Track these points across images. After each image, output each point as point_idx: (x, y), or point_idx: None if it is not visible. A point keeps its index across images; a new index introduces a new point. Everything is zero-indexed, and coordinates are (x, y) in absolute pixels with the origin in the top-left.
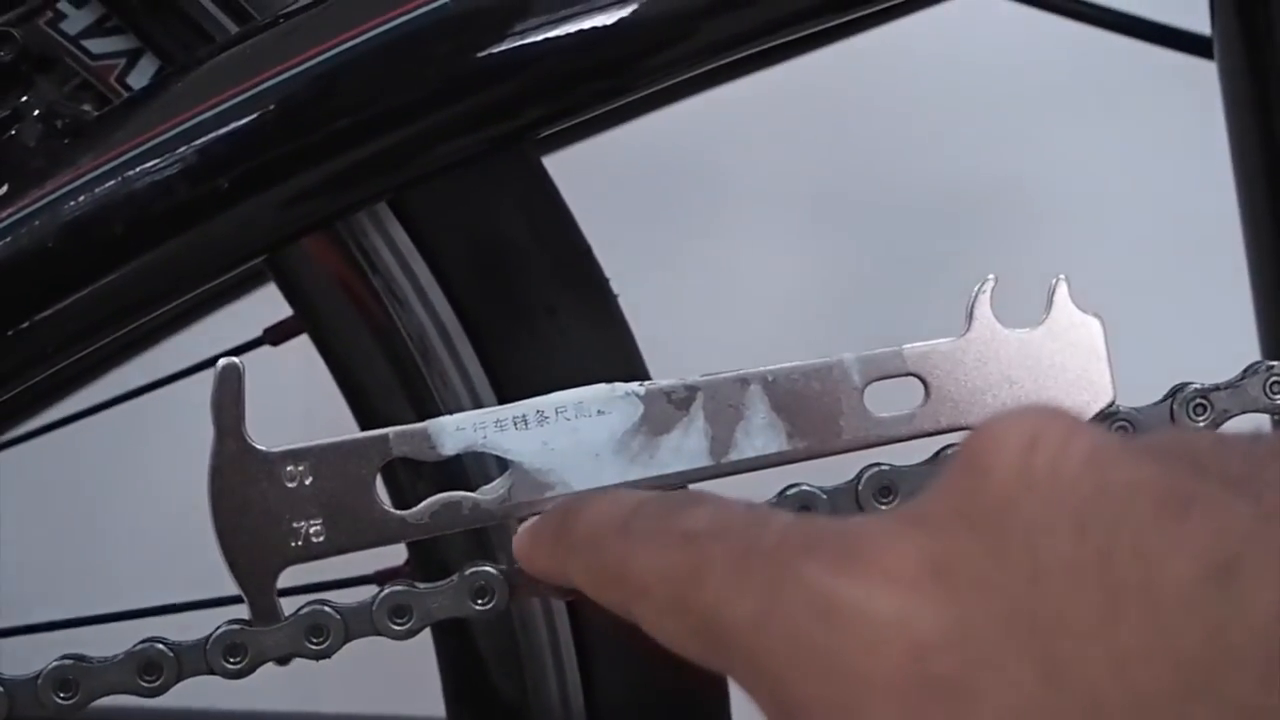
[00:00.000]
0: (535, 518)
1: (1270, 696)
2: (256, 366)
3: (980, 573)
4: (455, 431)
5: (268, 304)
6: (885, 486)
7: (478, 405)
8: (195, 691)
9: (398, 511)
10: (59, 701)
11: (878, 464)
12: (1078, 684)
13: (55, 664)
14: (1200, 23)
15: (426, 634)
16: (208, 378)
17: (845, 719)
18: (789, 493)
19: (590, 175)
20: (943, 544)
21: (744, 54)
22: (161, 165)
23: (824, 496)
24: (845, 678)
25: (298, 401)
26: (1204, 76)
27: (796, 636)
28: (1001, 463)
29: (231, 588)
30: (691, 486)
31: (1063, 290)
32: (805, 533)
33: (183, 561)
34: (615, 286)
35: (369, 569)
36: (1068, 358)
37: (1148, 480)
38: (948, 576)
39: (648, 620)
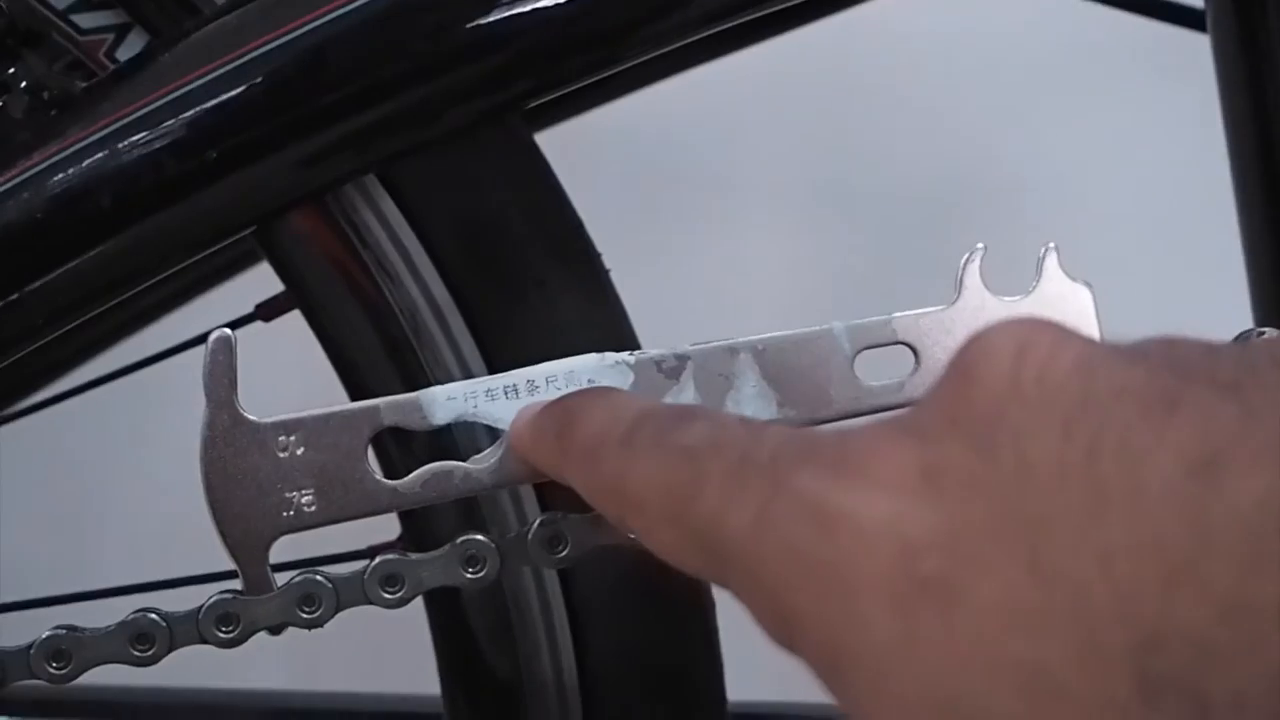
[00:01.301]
0: (535, 405)
1: (1251, 584)
2: (249, 342)
3: (969, 476)
4: (446, 401)
5: (260, 282)
6: None
7: (469, 378)
8: (195, 670)
9: (389, 481)
10: (52, 671)
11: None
12: (1064, 579)
13: (48, 634)
14: None
15: (420, 612)
16: (199, 354)
17: (838, 623)
18: None
19: (584, 164)
20: (933, 449)
21: (734, 24)
22: (149, 137)
23: None
24: (837, 583)
25: (290, 377)
26: (1197, 49)
27: (791, 545)
28: (991, 371)
29: (226, 562)
30: None
31: (1052, 258)
32: (799, 444)
33: (176, 536)
34: (607, 263)
35: (362, 544)
36: None
37: (1134, 382)
38: (937, 480)
39: (645, 533)
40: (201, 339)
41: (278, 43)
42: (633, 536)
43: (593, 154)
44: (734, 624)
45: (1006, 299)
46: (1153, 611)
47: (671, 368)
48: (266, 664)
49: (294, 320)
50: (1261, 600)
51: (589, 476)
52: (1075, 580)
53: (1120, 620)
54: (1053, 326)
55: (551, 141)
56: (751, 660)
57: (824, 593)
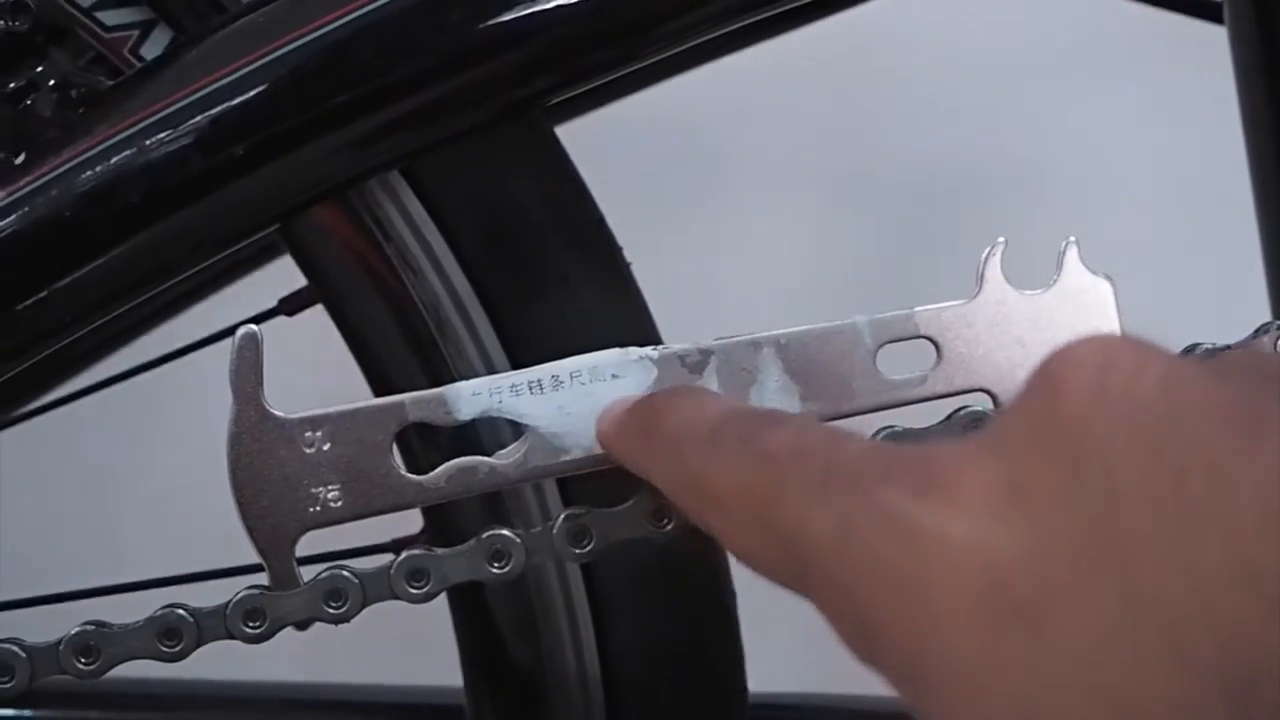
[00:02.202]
0: (620, 403)
1: None
2: (272, 337)
3: (1056, 495)
4: (471, 397)
5: (283, 275)
6: None
7: (492, 373)
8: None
9: (414, 476)
10: (80, 667)
11: (890, 426)
12: (1156, 607)
13: (77, 630)
14: None
15: (444, 606)
16: (225, 348)
17: (923, 640)
18: None
19: (602, 157)
20: (1018, 467)
21: (752, 19)
22: (176, 134)
23: None
24: (923, 600)
25: (313, 372)
26: (1214, 39)
27: (874, 558)
28: (1076, 385)
29: (251, 555)
30: None
31: (1073, 252)
32: (883, 456)
33: (202, 531)
34: (628, 257)
35: (385, 538)
36: (1078, 319)
37: (1222, 401)
38: (1023, 499)
39: (725, 534)
40: (226, 334)
41: (303, 40)
42: (714, 536)
43: (611, 147)
44: (754, 615)
45: (1028, 293)
46: (1250, 646)
47: (695, 362)
48: (288, 655)
49: (317, 314)
50: None
51: (672, 471)
52: (1169, 609)
53: (1216, 656)
54: (1136, 343)
55: (569, 135)
56: (772, 652)
57: (909, 608)
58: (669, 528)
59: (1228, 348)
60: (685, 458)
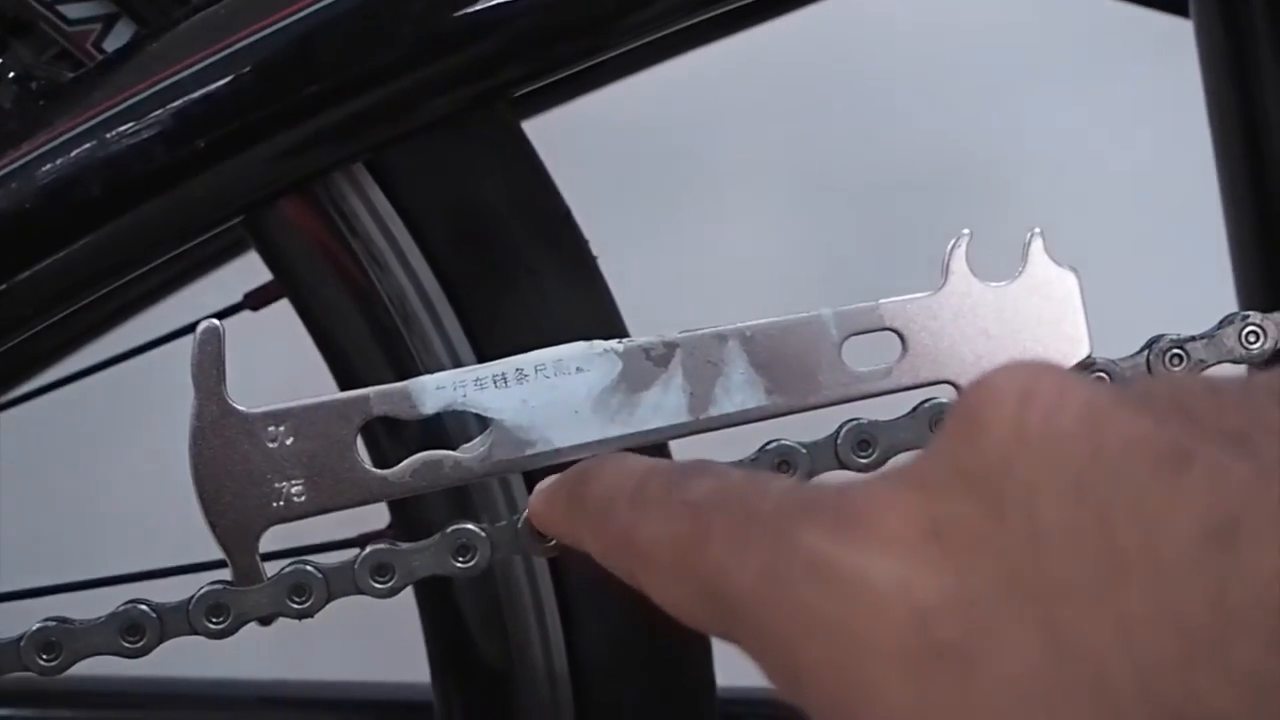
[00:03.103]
0: (551, 478)
1: (1268, 659)
2: (236, 331)
3: (979, 535)
4: (435, 390)
5: (248, 271)
6: (864, 441)
7: (458, 366)
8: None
9: (379, 471)
10: (42, 663)
11: (855, 419)
12: (1082, 651)
13: (38, 626)
14: None
15: (411, 601)
16: (188, 343)
17: (850, 684)
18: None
19: (569, 151)
20: (940, 506)
21: (722, 10)
22: (138, 126)
23: (804, 452)
24: (847, 642)
25: (279, 366)
26: (1180, 35)
27: (798, 602)
28: (996, 419)
29: (214, 551)
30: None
31: (1038, 244)
32: (804, 497)
33: (165, 527)
34: (594, 251)
35: (351, 533)
36: (1044, 310)
37: (1144, 436)
38: (947, 539)
39: (654, 588)
40: (190, 329)
41: (266, 32)
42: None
43: (577, 141)
44: None
45: (993, 284)
46: (1175, 690)
47: (660, 355)
48: (256, 653)
49: (282, 309)
50: None
51: (600, 534)
52: (1094, 653)
53: (1142, 699)
54: (1056, 371)
55: (537, 129)
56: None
57: (833, 651)
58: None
59: (1193, 339)
60: (611, 518)
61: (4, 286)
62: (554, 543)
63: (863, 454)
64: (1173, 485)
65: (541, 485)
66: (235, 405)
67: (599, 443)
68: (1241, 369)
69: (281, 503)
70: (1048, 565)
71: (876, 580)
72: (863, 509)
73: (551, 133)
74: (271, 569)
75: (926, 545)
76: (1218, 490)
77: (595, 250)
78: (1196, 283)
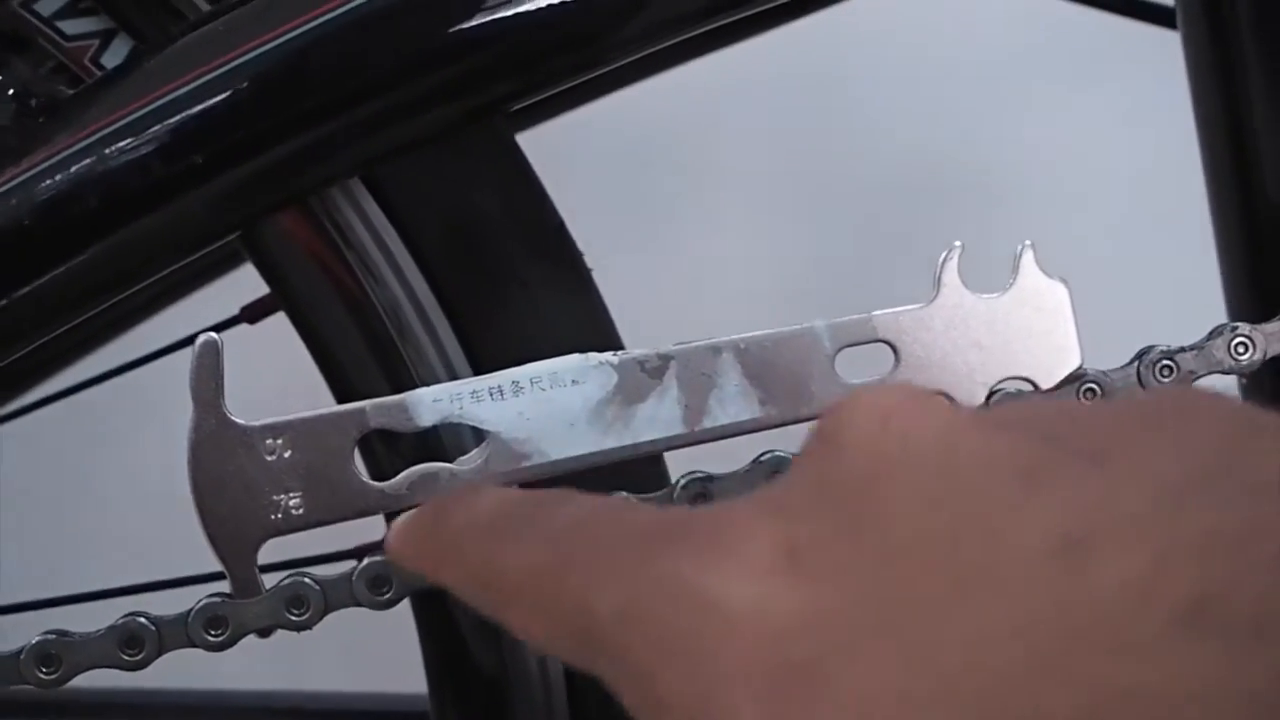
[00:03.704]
0: (408, 513)
1: (1118, 673)
2: (233, 345)
3: (835, 555)
4: (432, 403)
5: (245, 283)
6: None
7: (454, 378)
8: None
9: (376, 483)
10: (41, 676)
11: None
12: (932, 666)
13: (38, 639)
14: None
15: (407, 612)
16: (186, 356)
17: (706, 709)
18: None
19: (563, 162)
20: (798, 527)
21: (714, 26)
22: (136, 142)
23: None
24: (705, 668)
25: (275, 379)
26: (1167, 46)
27: (658, 629)
28: (855, 441)
29: (212, 563)
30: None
31: (1029, 255)
32: (664, 524)
33: (164, 539)
34: (589, 263)
35: (348, 544)
36: (1035, 322)
37: (997, 454)
38: (803, 560)
39: (517, 623)
40: (187, 342)
41: (264, 47)
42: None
43: (571, 152)
44: None
45: (984, 296)
46: (1021, 701)
47: (655, 367)
48: (252, 664)
49: (279, 322)
50: (1128, 690)
51: (459, 570)
52: (943, 668)
53: (989, 709)
54: (916, 394)
55: (530, 139)
56: None
57: (691, 678)
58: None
59: (1183, 350)
60: (469, 552)
61: (3, 302)
62: None
63: None
64: (1023, 501)
65: (398, 521)
66: (233, 418)
67: (594, 454)
68: (1231, 380)
69: (279, 515)
70: (900, 582)
71: (733, 603)
72: (721, 533)
73: (544, 143)
74: (269, 581)
75: (783, 566)
76: (1067, 505)
77: (590, 262)
78: (1187, 293)
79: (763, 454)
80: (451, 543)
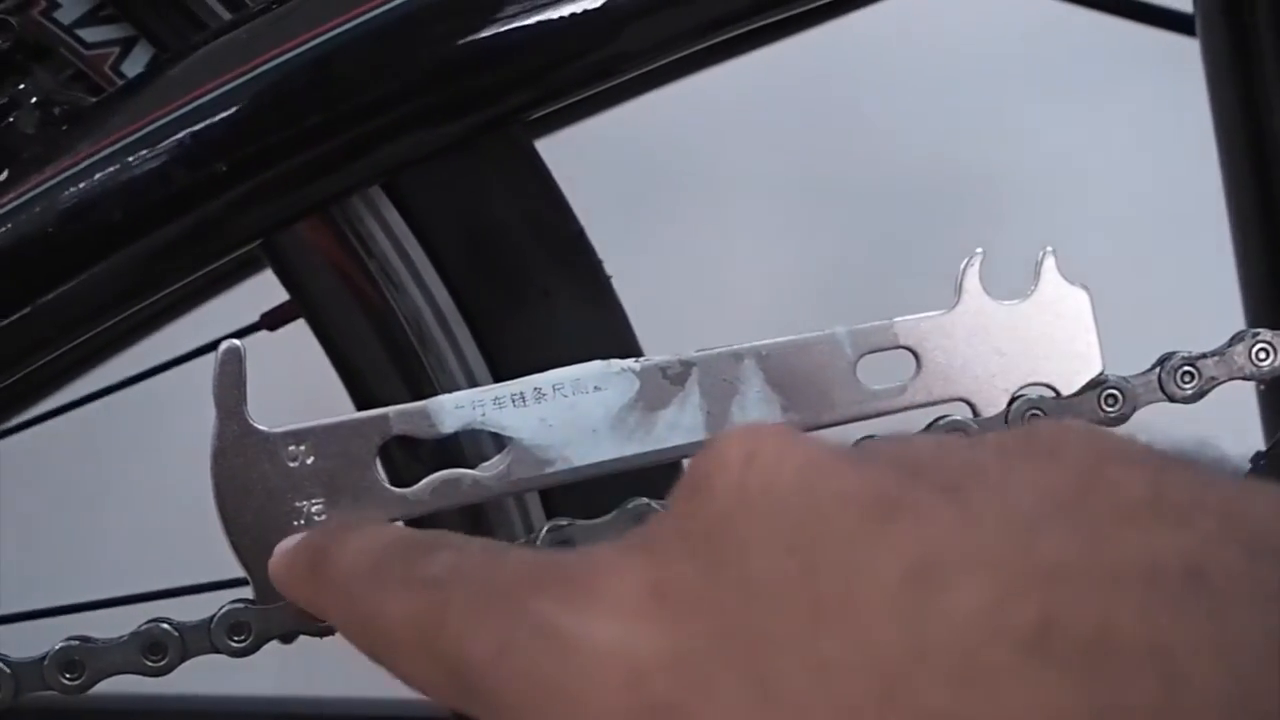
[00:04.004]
0: (292, 539)
1: (963, 699)
2: (254, 351)
3: (696, 594)
4: (454, 410)
5: (265, 290)
6: None
7: (474, 386)
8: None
9: (398, 489)
10: (65, 682)
11: (870, 437)
12: (786, 699)
13: (61, 645)
14: (1182, 0)
15: None
16: (207, 363)
17: None
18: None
19: (580, 170)
20: (662, 567)
21: (730, 35)
22: (158, 150)
23: None
24: (571, 709)
25: (296, 386)
26: (1186, 53)
27: (528, 671)
28: (719, 482)
29: (235, 569)
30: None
31: (1050, 262)
32: (537, 567)
33: (186, 546)
34: (608, 270)
35: None
36: (1056, 329)
37: (856, 489)
38: (666, 600)
39: (398, 669)
40: (208, 348)
41: (285, 57)
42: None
43: (588, 160)
44: None
45: (1006, 303)
46: None
47: (676, 374)
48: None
49: (299, 329)
50: (972, 715)
51: (342, 614)
52: (796, 700)
53: None
54: (781, 433)
55: (547, 148)
56: None
57: (558, 718)
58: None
59: (1204, 356)
60: (352, 598)
61: (28, 309)
62: None
63: None
64: (878, 533)
65: (282, 545)
66: (256, 425)
67: (616, 461)
68: (1251, 386)
69: (302, 521)
70: (757, 617)
71: (597, 643)
72: (589, 575)
73: (562, 152)
74: None
75: (646, 606)
76: (920, 536)
77: (610, 269)
78: (1206, 299)
79: (628, 502)
80: (336, 585)
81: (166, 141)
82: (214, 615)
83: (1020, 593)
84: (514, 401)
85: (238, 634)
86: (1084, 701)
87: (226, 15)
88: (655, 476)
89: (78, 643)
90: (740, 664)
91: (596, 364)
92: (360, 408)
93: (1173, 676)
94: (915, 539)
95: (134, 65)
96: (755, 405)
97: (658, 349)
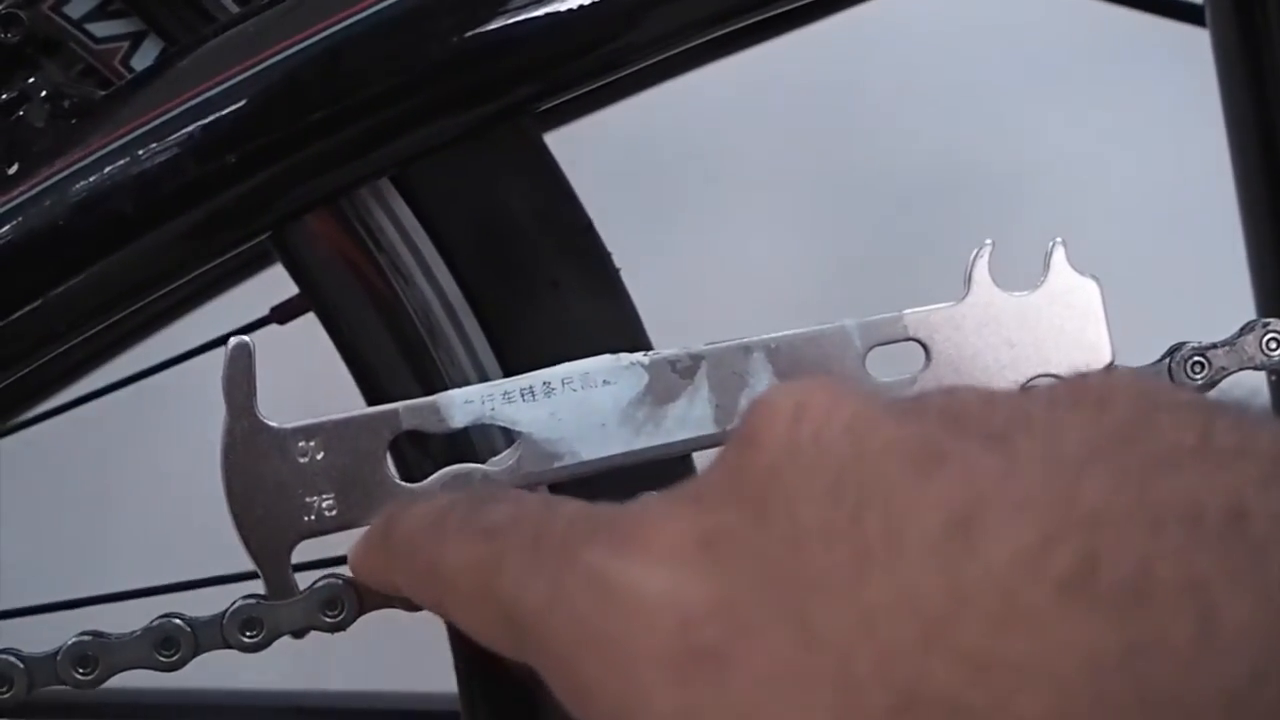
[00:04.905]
0: (363, 532)
1: (1001, 642)
2: (264, 346)
3: (744, 542)
4: (464, 404)
5: (274, 284)
6: None
7: (484, 380)
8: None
9: (409, 484)
10: (78, 677)
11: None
12: (829, 643)
13: (74, 640)
14: None
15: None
16: (217, 357)
17: (624, 696)
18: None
19: (589, 161)
20: (710, 517)
21: (739, 26)
22: (168, 143)
23: None
24: (621, 656)
25: (305, 380)
26: (1197, 42)
27: (580, 619)
28: (769, 435)
29: (246, 565)
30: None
31: (1060, 253)
32: (589, 517)
33: (196, 541)
34: (617, 262)
35: None
36: (1066, 319)
37: (902, 439)
38: (713, 548)
39: (457, 614)
40: (217, 343)
41: (293, 49)
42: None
43: (595, 155)
44: None
45: (1015, 294)
46: (909, 673)
47: (686, 367)
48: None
49: (309, 323)
50: (1011, 659)
51: (409, 570)
52: (840, 644)
53: (879, 683)
54: (830, 386)
55: (559, 142)
56: None
57: (609, 665)
58: (341, 618)
59: (1214, 346)
60: (415, 552)
61: (39, 302)
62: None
63: None
64: (923, 481)
65: (355, 541)
66: (266, 421)
67: (626, 455)
68: (1262, 376)
69: (313, 517)
70: (803, 564)
71: (647, 591)
72: (640, 525)
73: (569, 147)
74: (302, 582)
75: (695, 555)
76: (964, 484)
77: (618, 263)
78: (1217, 289)
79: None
80: (402, 546)
81: (176, 134)
82: (226, 610)
83: (1061, 536)
84: (523, 396)
85: (250, 629)
86: (1122, 639)
87: (235, 9)
88: (664, 470)
89: (90, 638)
90: (786, 610)
91: (605, 358)
92: (370, 402)
93: (1210, 614)
94: (959, 486)
95: (143, 60)
96: None
97: (667, 343)
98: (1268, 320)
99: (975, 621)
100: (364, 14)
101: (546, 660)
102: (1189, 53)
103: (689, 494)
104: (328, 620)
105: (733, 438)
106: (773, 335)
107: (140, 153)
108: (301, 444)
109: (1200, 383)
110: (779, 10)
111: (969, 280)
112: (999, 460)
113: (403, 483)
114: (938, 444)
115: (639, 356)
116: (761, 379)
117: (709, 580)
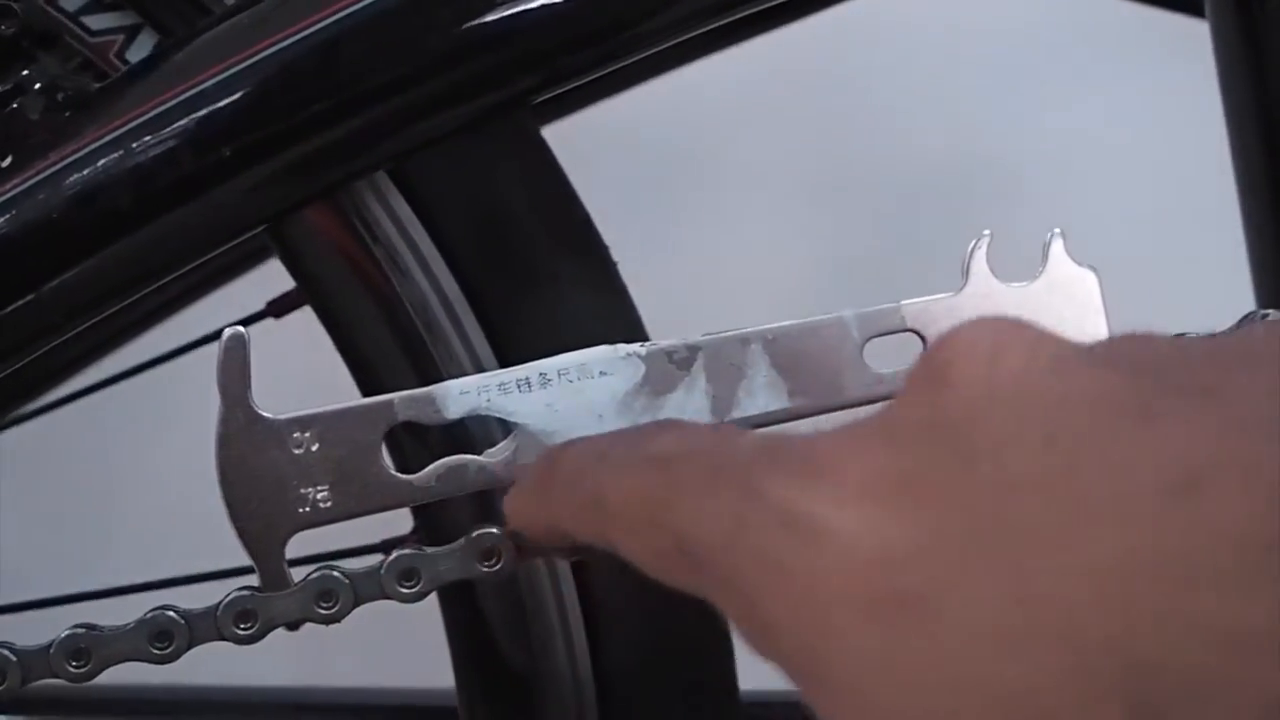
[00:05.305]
0: (520, 473)
1: (1241, 612)
2: (260, 339)
3: (948, 485)
4: (459, 395)
5: (270, 278)
6: None
7: (481, 372)
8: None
9: (404, 476)
10: (72, 670)
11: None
12: (1051, 599)
13: (67, 633)
14: None
15: (434, 605)
16: (212, 351)
17: (813, 635)
18: None
19: (586, 157)
20: (908, 457)
21: (734, 18)
22: (164, 135)
23: None
24: (812, 593)
25: (302, 374)
26: (1196, 33)
27: (764, 553)
28: (967, 374)
29: (241, 557)
30: None
31: (1058, 244)
32: (771, 449)
33: (193, 533)
34: (614, 255)
35: (376, 538)
36: (1065, 310)
37: (1113, 390)
38: (915, 489)
39: (624, 544)
40: (213, 337)
41: (288, 41)
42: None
43: (592, 145)
44: None
45: (1014, 285)
46: (1145, 638)
47: (683, 358)
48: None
49: (305, 316)
50: (1251, 629)
51: (571, 503)
52: (1062, 600)
53: (1111, 646)
54: (1026, 326)
55: (556, 137)
56: None
57: (800, 602)
58: (335, 611)
59: (1214, 336)
60: (580, 485)
61: (33, 295)
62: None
63: None
64: (1138, 437)
65: (512, 489)
66: (261, 412)
67: None
68: None
69: (308, 508)
70: (1017, 515)
71: (842, 529)
72: (830, 459)
73: (565, 137)
74: (297, 575)
75: (893, 495)
76: (1182, 443)
77: (616, 256)
78: (1216, 280)
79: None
80: (564, 480)
81: (172, 127)
82: (220, 602)
83: None
84: (519, 387)
85: (244, 621)
86: None
87: (230, 2)
88: None
89: (84, 630)
90: (998, 561)
91: (602, 349)
92: (367, 394)
93: None
94: (1177, 446)
95: (138, 53)
96: (762, 389)
97: (665, 334)
98: (1267, 311)
99: (1211, 591)
100: (360, 5)
101: (727, 595)
102: (1188, 44)
103: (879, 429)
104: (322, 612)
105: (922, 371)
106: (770, 326)
107: (136, 145)
108: (296, 435)
109: None
110: (776, 1)
111: (967, 271)
112: (1213, 420)
113: (398, 474)
114: (1149, 396)
115: (635, 347)
116: (759, 370)
117: (910, 522)
